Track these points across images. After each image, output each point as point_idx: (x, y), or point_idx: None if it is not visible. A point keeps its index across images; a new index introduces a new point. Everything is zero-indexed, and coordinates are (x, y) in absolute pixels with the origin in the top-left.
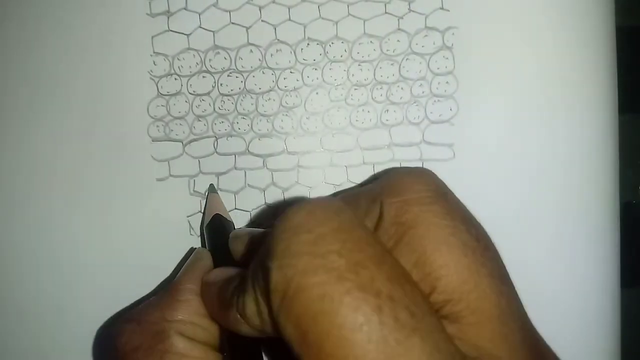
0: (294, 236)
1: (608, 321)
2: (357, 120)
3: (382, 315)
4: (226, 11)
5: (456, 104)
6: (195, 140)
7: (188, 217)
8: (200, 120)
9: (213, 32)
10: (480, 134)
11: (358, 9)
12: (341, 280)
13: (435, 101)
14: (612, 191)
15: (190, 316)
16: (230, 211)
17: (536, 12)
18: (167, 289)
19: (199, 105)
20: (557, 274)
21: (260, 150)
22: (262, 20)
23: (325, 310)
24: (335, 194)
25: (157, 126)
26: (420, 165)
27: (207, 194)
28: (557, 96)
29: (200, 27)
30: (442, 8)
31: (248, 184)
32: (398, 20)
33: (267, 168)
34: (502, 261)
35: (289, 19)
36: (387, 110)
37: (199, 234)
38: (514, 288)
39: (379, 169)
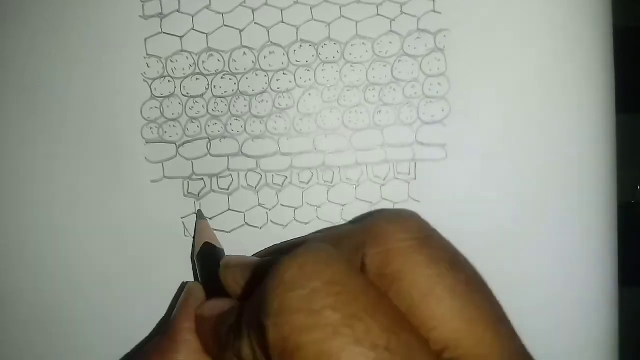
0: (288, 292)
1: (606, 319)
2: (349, 121)
3: None
4: (219, 13)
5: (448, 105)
6: (188, 142)
7: (182, 218)
8: (193, 122)
9: (206, 34)
10: (473, 135)
11: (350, 11)
12: (337, 335)
13: (427, 102)
14: (611, 191)
15: (190, 356)
16: (223, 212)
17: (530, 12)
18: (165, 330)
19: (192, 107)
20: (555, 274)
21: (253, 151)
22: (255, 23)
23: None
24: (318, 232)
25: (151, 128)
26: (405, 208)
27: (195, 220)
28: (552, 96)
29: (194, 30)
30: (434, 11)
31: (241, 185)
32: (390, 22)
33: (261, 169)
34: (496, 299)
35: (282, 21)
36: (380, 111)
37: (194, 236)
38: (511, 325)
39: (371, 169)
